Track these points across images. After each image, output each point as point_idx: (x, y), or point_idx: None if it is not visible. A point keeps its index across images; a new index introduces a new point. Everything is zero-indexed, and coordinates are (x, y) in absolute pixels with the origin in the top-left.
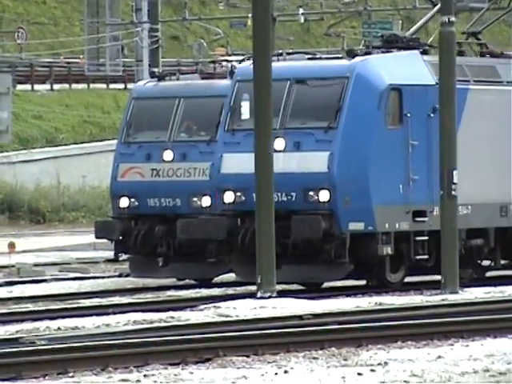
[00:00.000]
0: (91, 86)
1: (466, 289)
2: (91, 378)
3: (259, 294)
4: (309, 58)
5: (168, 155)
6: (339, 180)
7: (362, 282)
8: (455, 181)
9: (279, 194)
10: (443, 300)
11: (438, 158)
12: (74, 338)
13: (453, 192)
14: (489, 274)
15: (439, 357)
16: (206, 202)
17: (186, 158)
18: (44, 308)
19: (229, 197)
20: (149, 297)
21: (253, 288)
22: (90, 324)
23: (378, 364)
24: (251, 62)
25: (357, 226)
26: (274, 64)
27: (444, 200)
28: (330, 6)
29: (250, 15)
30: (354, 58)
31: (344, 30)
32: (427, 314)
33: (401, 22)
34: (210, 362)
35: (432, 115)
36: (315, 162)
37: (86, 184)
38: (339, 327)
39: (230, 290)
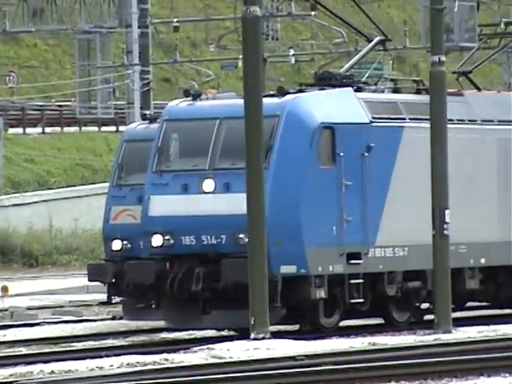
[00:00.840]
0: (83, 128)
1: (459, 328)
2: None
3: (253, 336)
4: (239, 96)
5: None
6: (270, 222)
7: (357, 322)
8: (447, 220)
9: (208, 237)
10: (436, 340)
11: (373, 198)
12: (68, 381)
13: (445, 231)
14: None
15: None
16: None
17: None
18: (37, 351)
19: (157, 240)
20: (142, 339)
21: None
22: (83, 367)
23: None
24: (180, 101)
25: (289, 269)
26: (202, 103)
27: (436, 239)
28: (320, 47)
29: (240, 56)
30: (284, 96)
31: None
32: (420, 353)
33: (391, 62)
34: None
35: (366, 154)
36: (245, 203)
37: (79, 227)
38: (333, 368)
39: (224, 332)
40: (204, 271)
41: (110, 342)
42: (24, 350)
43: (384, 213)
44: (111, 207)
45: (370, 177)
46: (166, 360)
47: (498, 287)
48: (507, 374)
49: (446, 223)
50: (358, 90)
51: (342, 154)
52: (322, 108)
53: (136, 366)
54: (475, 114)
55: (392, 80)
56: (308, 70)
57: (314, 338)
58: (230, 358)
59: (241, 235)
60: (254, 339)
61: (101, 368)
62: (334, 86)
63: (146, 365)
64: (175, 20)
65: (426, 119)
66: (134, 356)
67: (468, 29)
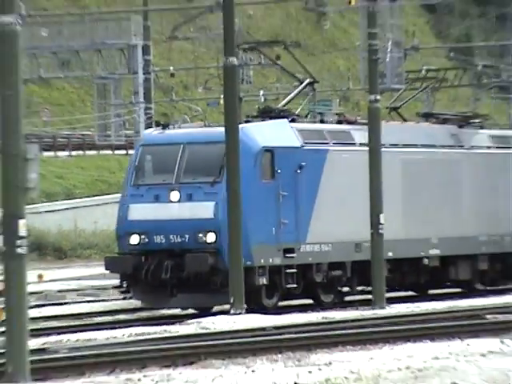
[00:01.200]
0: (100, 152)
1: (391, 305)
2: (102, 378)
3: (232, 311)
4: (202, 126)
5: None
6: (223, 224)
7: (311, 301)
8: (382, 222)
9: (175, 236)
10: (374, 314)
11: (304, 205)
12: (89, 347)
13: (380, 231)
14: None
15: (371, 358)
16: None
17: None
18: (65, 325)
19: (134, 239)
20: (147, 315)
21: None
22: (101, 336)
23: (324, 364)
24: (153, 130)
25: None
26: (170, 131)
27: (374, 236)
28: (283, 88)
29: (222, 96)
30: None
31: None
32: (361, 324)
33: (338, 100)
34: (195, 364)
35: (298, 171)
36: (204, 210)
37: (97, 228)
38: (294, 336)
39: (191, 310)
40: (171, 263)
41: (121, 317)
42: (55, 324)
43: (313, 217)
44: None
45: (302, 189)
46: (165, 331)
47: (403, 275)
48: (428, 341)
49: (381, 224)
50: (293, 120)
51: (279, 171)
52: (263, 135)
53: (142, 335)
54: (385, 140)
55: (319, 113)
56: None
57: (279, 313)
58: (215, 328)
59: (200, 235)
60: (233, 314)
61: (115, 337)
62: (272, 118)
63: (149, 334)
64: (171, 68)
65: (346, 143)
66: (140, 327)
67: (397, 74)
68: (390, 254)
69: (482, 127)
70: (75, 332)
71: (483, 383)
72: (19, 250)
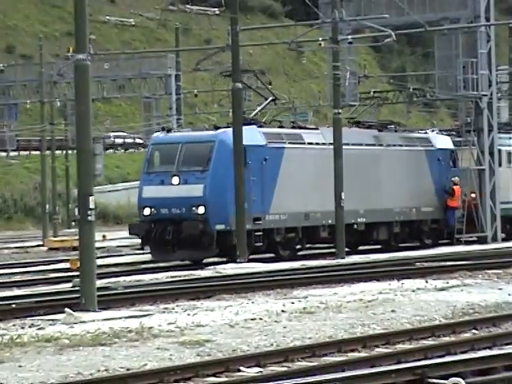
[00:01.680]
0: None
1: (350, 256)
2: (147, 307)
3: (238, 260)
4: (193, 130)
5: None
6: (209, 200)
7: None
8: (342, 198)
9: (175, 209)
10: (337, 262)
11: (267, 187)
12: (138, 286)
13: (341, 204)
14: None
15: (335, 293)
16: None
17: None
18: (122, 270)
19: (147, 211)
20: (177, 263)
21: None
22: (146, 278)
23: (303, 297)
24: (160, 133)
25: (220, 227)
26: (172, 134)
27: (337, 208)
28: (272, 105)
29: (230, 110)
30: (217, 129)
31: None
32: (328, 269)
33: (312, 113)
34: (212, 297)
35: (264, 163)
36: (196, 190)
37: None
38: (281, 277)
39: (216, 259)
40: (173, 228)
41: (161, 265)
42: (114, 269)
43: (274, 195)
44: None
45: (266, 175)
46: (191, 274)
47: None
48: (375, 281)
49: (342, 199)
50: (260, 126)
51: (250, 162)
52: None
53: (175, 278)
54: (325, 139)
55: (278, 121)
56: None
57: (271, 262)
58: (226, 272)
59: (193, 208)
60: (239, 262)
61: (156, 279)
62: (246, 124)
63: (180, 277)
64: (195, 91)
65: (298, 143)
66: (173, 272)
67: (353, 94)
68: (330, 221)
69: (395, 131)
70: (128, 275)
71: (413, 310)
72: (89, 218)
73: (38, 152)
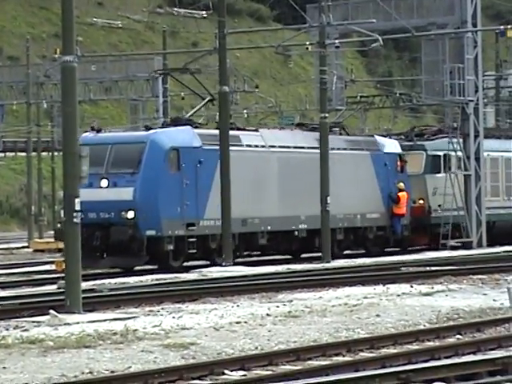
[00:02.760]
0: None
1: (335, 260)
2: (132, 310)
3: (223, 264)
4: (124, 130)
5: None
6: (139, 205)
7: (279, 257)
8: (328, 202)
9: (103, 213)
10: (322, 266)
11: (202, 191)
12: (124, 288)
13: (327, 208)
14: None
15: (320, 297)
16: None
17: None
18: (107, 272)
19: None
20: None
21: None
22: (131, 281)
23: (288, 301)
24: (88, 133)
25: (151, 233)
26: (101, 134)
27: (323, 212)
28: (261, 108)
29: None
30: (149, 130)
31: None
32: (313, 273)
33: (298, 116)
34: (197, 300)
35: (198, 165)
36: (125, 193)
37: None
38: (266, 281)
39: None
40: (101, 233)
41: (146, 267)
42: (99, 271)
43: (209, 200)
44: None
45: (201, 179)
46: (176, 277)
47: (278, 243)
48: (360, 285)
49: (328, 203)
50: (196, 127)
51: (183, 165)
52: (172, 138)
53: (160, 280)
54: (265, 142)
55: (216, 122)
56: (253, 121)
57: (256, 266)
58: (211, 276)
59: (122, 212)
60: (224, 266)
61: (141, 281)
62: (180, 125)
63: (165, 279)
64: (182, 94)
65: (236, 145)
66: (159, 275)
67: (340, 99)
68: (269, 227)
69: (340, 134)
70: (113, 277)
71: (398, 315)
72: (75, 220)
73: (24, 153)
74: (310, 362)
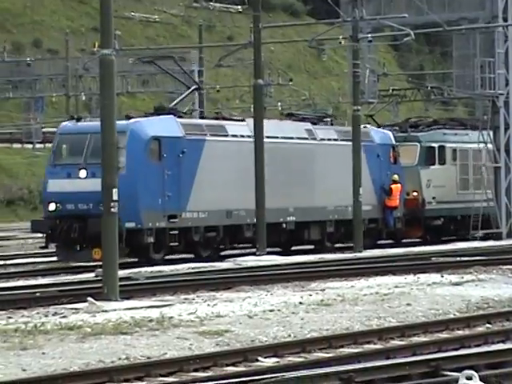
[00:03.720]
0: None
1: (367, 250)
2: (168, 297)
3: (257, 253)
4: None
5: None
6: (119, 196)
7: (312, 247)
8: (361, 193)
9: (82, 204)
10: (354, 256)
11: (185, 182)
12: (160, 276)
13: (359, 199)
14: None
15: (352, 286)
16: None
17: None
18: (143, 260)
19: (52, 206)
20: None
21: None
22: (168, 269)
23: (320, 290)
24: (68, 122)
25: (131, 225)
26: (81, 123)
27: (355, 203)
28: (295, 101)
29: (252, 105)
30: (129, 119)
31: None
32: (346, 263)
33: (332, 109)
34: (231, 288)
35: (181, 155)
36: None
37: None
38: (300, 270)
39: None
40: (79, 225)
41: (182, 256)
42: (135, 260)
43: (192, 191)
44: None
45: (183, 169)
46: (212, 266)
47: (267, 235)
48: (391, 274)
49: (360, 194)
50: (179, 117)
51: (165, 155)
52: (153, 127)
53: (196, 269)
54: (251, 132)
55: (201, 111)
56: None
57: (289, 255)
58: (246, 264)
59: (101, 204)
60: (258, 255)
61: (177, 270)
62: (163, 114)
63: (201, 268)
64: (218, 86)
65: (221, 135)
66: (195, 263)
67: (372, 92)
68: (256, 219)
69: (332, 124)
70: (150, 266)
71: (428, 304)
72: (113, 210)
73: None
74: (341, 349)
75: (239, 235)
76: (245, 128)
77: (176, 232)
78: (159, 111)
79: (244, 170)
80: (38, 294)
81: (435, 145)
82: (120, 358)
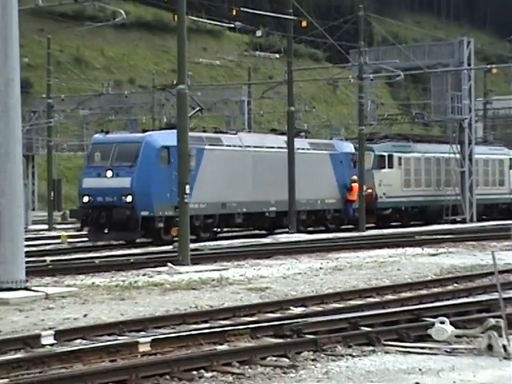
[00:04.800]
0: None
1: (368, 230)
2: (225, 263)
3: (289, 231)
4: (126, 132)
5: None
6: (136, 191)
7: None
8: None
9: (108, 197)
10: (359, 234)
11: (190, 180)
12: (219, 248)
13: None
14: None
15: (357, 256)
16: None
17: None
18: (207, 237)
19: (85, 198)
20: (247, 233)
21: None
22: (225, 243)
23: (335, 258)
24: (99, 134)
25: (145, 213)
26: (109, 135)
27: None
28: (317, 123)
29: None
30: (145, 132)
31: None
32: (353, 239)
33: (343, 128)
34: (271, 258)
35: None
36: (125, 182)
37: None
38: (320, 245)
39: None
40: (106, 213)
41: (237, 233)
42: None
43: (194, 188)
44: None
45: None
46: (258, 241)
47: (253, 222)
48: (386, 248)
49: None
50: None
51: (172, 160)
52: (163, 138)
53: (246, 243)
54: (242, 142)
55: (203, 127)
56: (313, 131)
57: (317, 233)
58: (281, 240)
59: (122, 197)
60: (290, 233)
61: (231, 243)
62: (171, 129)
63: (249, 243)
64: (262, 112)
65: (217, 145)
66: (245, 239)
67: (373, 116)
68: (244, 209)
69: (306, 137)
70: (212, 241)
71: (413, 269)
72: (186, 200)
73: None
74: (350, 301)
75: (231, 221)
76: (236, 139)
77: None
78: (169, 127)
79: (235, 171)
80: (132, 260)
81: (385, 154)
82: (190, 307)
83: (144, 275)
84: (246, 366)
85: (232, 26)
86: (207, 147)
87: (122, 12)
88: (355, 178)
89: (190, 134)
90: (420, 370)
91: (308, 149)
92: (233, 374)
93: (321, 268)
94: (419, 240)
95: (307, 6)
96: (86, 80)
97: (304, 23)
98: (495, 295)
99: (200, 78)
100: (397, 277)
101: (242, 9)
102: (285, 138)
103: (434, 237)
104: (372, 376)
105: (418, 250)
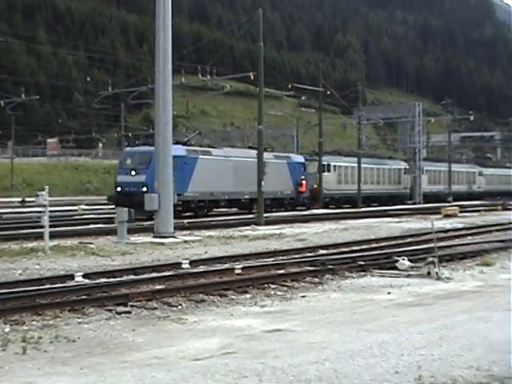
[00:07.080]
0: None
1: (320, 209)
2: (283, 225)
3: (316, 208)
4: (144, 145)
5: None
6: (149, 184)
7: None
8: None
9: (132, 188)
10: (357, 210)
11: (187, 178)
12: (279, 217)
13: (261, 188)
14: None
15: (357, 222)
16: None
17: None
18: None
19: (118, 189)
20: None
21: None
22: (284, 214)
23: (344, 223)
24: (130, 148)
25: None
26: (135, 148)
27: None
28: (311, 145)
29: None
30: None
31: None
32: (354, 213)
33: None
34: (307, 222)
35: (184, 165)
36: (142, 178)
37: None
38: (336, 216)
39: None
40: (131, 199)
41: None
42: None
43: (190, 183)
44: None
45: (186, 172)
46: (300, 214)
47: (232, 206)
48: (373, 218)
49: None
50: (185, 144)
51: (175, 165)
52: (173, 150)
53: (294, 215)
54: (225, 154)
55: (199, 144)
56: (328, 146)
57: (331, 209)
58: (314, 212)
59: (140, 188)
60: (317, 209)
61: (286, 215)
62: (176, 144)
63: (295, 215)
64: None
65: (208, 155)
66: (293, 212)
67: (367, 145)
68: (226, 197)
69: (272, 151)
70: (277, 212)
71: (387, 230)
72: (262, 190)
73: None
74: (352, 247)
75: (217, 205)
76: (222, 152)
77: (181, 203)
78: (176, 143)
79: (220, 173)
80: (231, 222)
81: (325, 163)
82: (263, 248)
83: (237, 231)
84: (294, 282)
85: (288, 93)
86: (200, 157)
87: (228, 85)
88: (303, 177)
89: (188, 147)
90: (391, 285)
91: (272, 159)
92: (287, 286)
93: (336, 229)
94: (391, 214)
95: (330, 81)
96: (206, 123)
97: (328, 92)
98: (432, 244)
99: (270, 122)
100: (379, 234)
101: (294, 84)
102: (255, 151)
103: (399, 212)
104: (364, 288)
105: (390, 219)
